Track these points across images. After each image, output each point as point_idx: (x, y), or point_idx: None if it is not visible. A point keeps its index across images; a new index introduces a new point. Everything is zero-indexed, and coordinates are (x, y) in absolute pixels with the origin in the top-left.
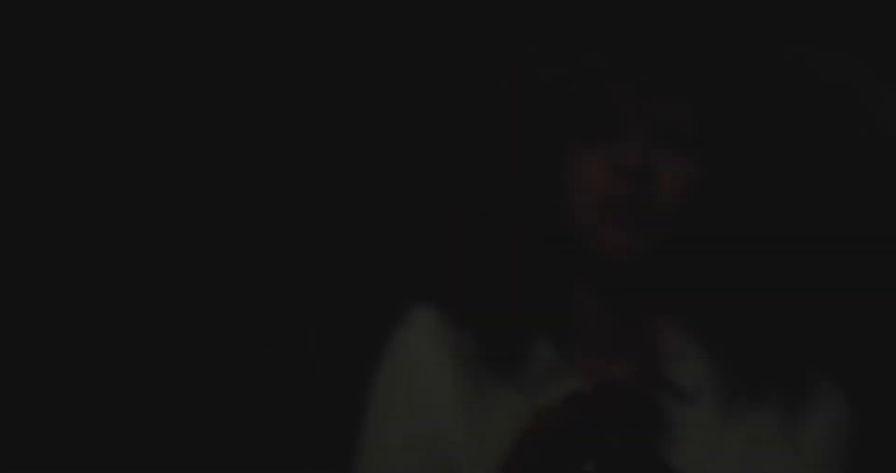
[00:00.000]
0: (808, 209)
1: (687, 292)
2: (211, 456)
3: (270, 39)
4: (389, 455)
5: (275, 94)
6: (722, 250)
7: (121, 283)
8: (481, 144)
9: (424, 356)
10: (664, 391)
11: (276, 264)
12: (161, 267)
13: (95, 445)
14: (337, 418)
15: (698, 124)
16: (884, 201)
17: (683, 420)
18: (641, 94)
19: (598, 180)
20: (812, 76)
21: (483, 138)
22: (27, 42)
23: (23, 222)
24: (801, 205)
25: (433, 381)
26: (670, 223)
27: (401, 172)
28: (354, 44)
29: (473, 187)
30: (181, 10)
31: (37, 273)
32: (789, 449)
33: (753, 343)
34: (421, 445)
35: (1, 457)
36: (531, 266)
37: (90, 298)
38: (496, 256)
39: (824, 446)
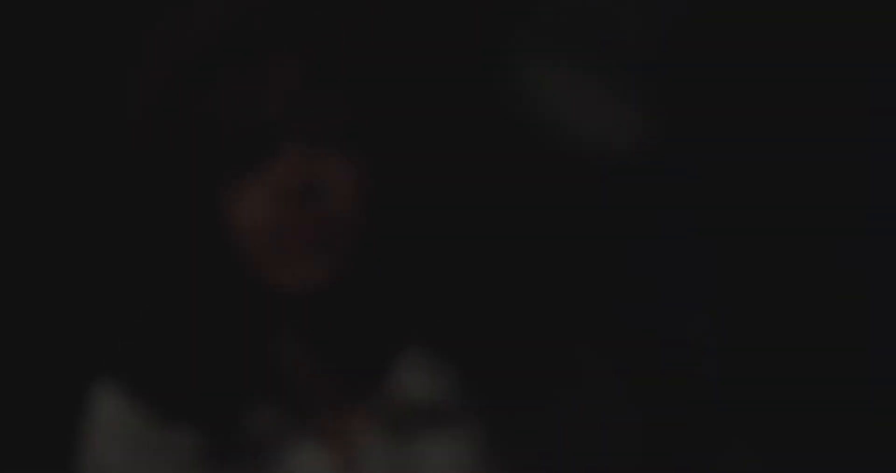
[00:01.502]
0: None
1: (404, 309)
2: None
3: None
4: None
5: None
6: (427, 254)
7: None
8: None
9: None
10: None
11: None
12: None
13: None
14: None
15: (355, 117)
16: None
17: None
18: (287, 99)
19: (262, 212)
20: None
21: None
22: None
23: None
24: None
25: None
26: (354, 239)
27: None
28: None
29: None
30: None
31: None
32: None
33: (489, 339)
34: None
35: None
36: (217, 324)
37: None
38: (175, 319)
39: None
